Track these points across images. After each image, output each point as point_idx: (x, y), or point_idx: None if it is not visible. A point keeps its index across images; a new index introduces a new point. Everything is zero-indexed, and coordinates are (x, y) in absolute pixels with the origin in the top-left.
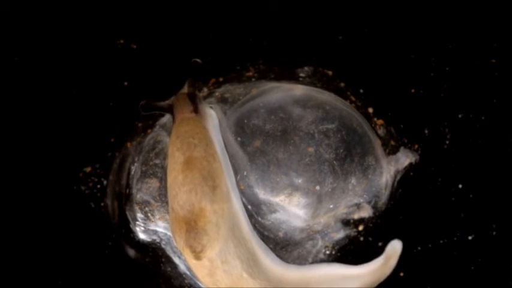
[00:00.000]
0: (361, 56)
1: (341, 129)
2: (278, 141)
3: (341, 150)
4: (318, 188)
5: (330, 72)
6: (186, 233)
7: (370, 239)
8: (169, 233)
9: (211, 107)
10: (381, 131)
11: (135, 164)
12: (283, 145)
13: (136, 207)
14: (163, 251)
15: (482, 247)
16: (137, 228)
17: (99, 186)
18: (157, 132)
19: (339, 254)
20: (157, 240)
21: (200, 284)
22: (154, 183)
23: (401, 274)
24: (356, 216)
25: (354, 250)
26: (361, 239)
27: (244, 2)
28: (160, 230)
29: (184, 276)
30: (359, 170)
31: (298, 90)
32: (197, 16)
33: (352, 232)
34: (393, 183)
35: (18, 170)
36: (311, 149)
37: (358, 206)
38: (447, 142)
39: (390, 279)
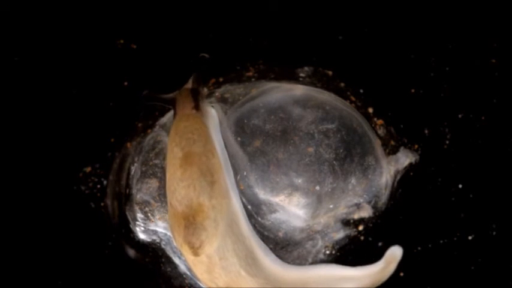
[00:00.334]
0: (361, 56)
1: (341, 129)
2: (278, 141)
3: (341, 150)
4: (317, 188)
5: (330, 72)
6: (184, 228)
7: (370, 239)
8: (169, 233)
9: (212, 106)
10: (381, 131)
11: (135, 164)
12: (283, 145)
13: (136, 208)
14: (163, 251)
15: (482, 247)
16: (137, 228)
17: (99, 186)
18: (157, 132)
19: (338, 254)
20: (157, 241)
21: (200, 284)
22: (154, 183)
23: (401, 274)
24: (356, 216)
25: (354, 250)
26: (361, 238)
27: (244, 2)
28: (160, 230)
29: (184, 276)
30: (359, 170)
31: (298, 90)
32: (197, 16)
33: (352, 232)
34: (393, 183)
35: (18, 170)
36: (311, 149)
37: (358, 206)
38: (447, 142)
39: (390, 279)
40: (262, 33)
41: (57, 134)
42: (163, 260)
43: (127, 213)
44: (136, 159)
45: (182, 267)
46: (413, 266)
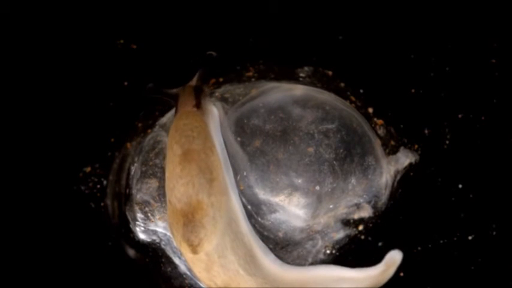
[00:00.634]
0: (361, 56)
1: (341, 129)
2: (278, 141)
3: (341, 150)
4: (317, 188)
5: (330, 72)
6: (183, 226)
7: (370, 238)
8: (169, 234)
9: (214, 105)
10: (381, 131)
11: (135, 164)
12: (283, 145)
13: (136, 208)
14: (163, 251)
15: (482, 247)
16: (137, 229)
17: (99, 186)
18: (157, 132)
19: (338, 254)
20: (157, 241)
21: (200, 284)
22: (154, 183)
23: (401, 274)
24: (356, 216)
25: (354, 250)
26: (361, 238)
27: (244, 2)
28: (160, 230)
29: (184, 276)
30: (359, 170)
31: (298, 90)
32: (197, 16)
33: (352, 232)
34: (393, 183)
35: (18, 170)
36: (311, 149)
37: (358, 206)
38: (447, 142)
39: (390, 279)
40: (262, 33)
41: (57, 134)
42: (163, 260)
43: (127, 213)
44: (136, 159)
45: (182, 268)
46: (413, 266)
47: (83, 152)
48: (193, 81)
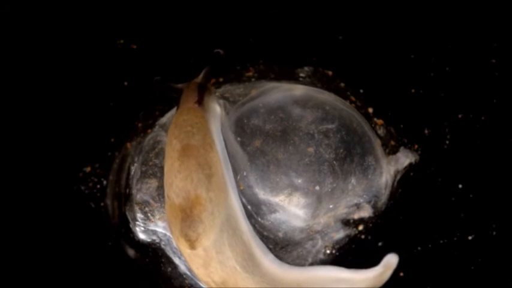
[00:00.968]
0: (361, 56)
1: (341, 129)
2: (278, 141)
3: (341, 150)
4: (317, 188)
5: (330, 72)
6: (181, 221)
7: (370, 238)
8: (169, 234)
9: (218, 104)
10: (381, 131)
11: (135, 164)
12: (283, 145)
13: (136, 208)
14: (163, 251)
15: (482, 247)
16: (137, 229)
17: (99, 186)
18: (157, 132)
19: (338, 254)
20: (157, 241)
21: (200, 284)
22: (154, 183)
23: (401, 274)
24: (356, 216)
25: (354, 250)
26: (361, 238)
27: (244, 2)
28: (160, 230)
29: (184, 276)
30: (359, 170)
31: (298, 90)
32: (197, 16)
33: (352, 232)
34: (393, 183)
35: (18, 170)
36: (311, 149)
37: (358, 206)
38: (447, 142)
39: (390, 279)
40: (262, 33)
41: (57, 134)
42: (163, 260)
43: (127, 213)
44: (136, 159)
45: (182, 268)
46: (413, 266)
47: (83, 152)
48: (199, 78)
